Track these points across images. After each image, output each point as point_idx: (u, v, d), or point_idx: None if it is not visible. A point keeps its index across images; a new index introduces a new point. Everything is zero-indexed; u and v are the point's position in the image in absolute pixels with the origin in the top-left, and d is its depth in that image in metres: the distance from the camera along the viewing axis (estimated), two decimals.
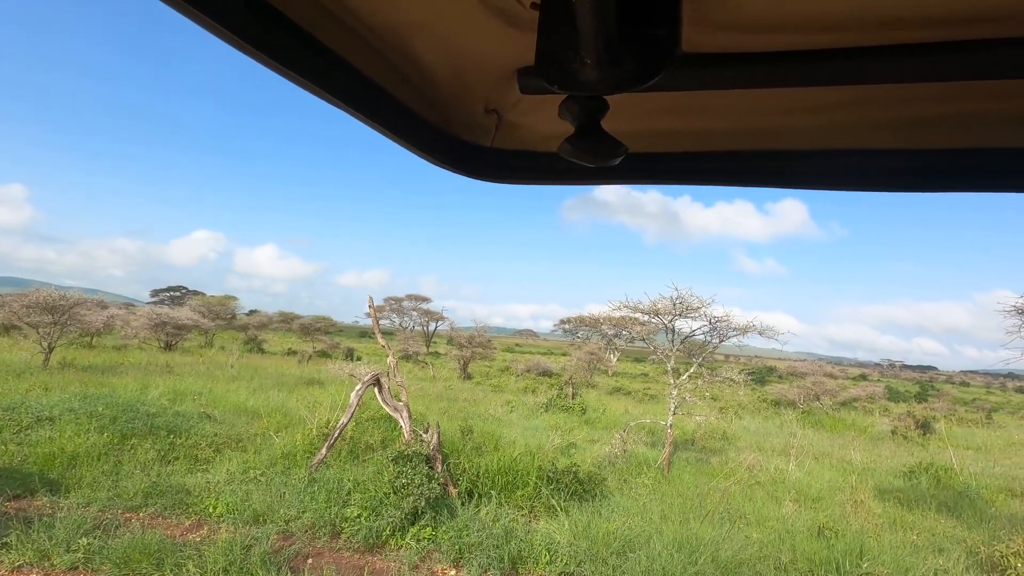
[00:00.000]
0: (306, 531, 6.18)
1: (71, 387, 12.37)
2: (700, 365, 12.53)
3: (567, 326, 53.66)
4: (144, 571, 5.00)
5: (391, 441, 9.28)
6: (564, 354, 46.62)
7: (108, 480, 7.03)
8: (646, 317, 12.90)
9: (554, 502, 7.31)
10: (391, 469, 6.98)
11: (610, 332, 43.89)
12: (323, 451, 7.75)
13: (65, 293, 17.59)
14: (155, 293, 67.08)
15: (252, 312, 47.99)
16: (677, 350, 12.19)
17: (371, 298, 8.63)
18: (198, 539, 5.71)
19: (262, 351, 34.81)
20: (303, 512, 6.48)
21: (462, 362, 29.80)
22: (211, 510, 6.49)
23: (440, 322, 47.40)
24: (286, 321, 42.88)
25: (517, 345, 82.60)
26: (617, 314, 13.14)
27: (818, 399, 27.28)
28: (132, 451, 8.09)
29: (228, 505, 6.57)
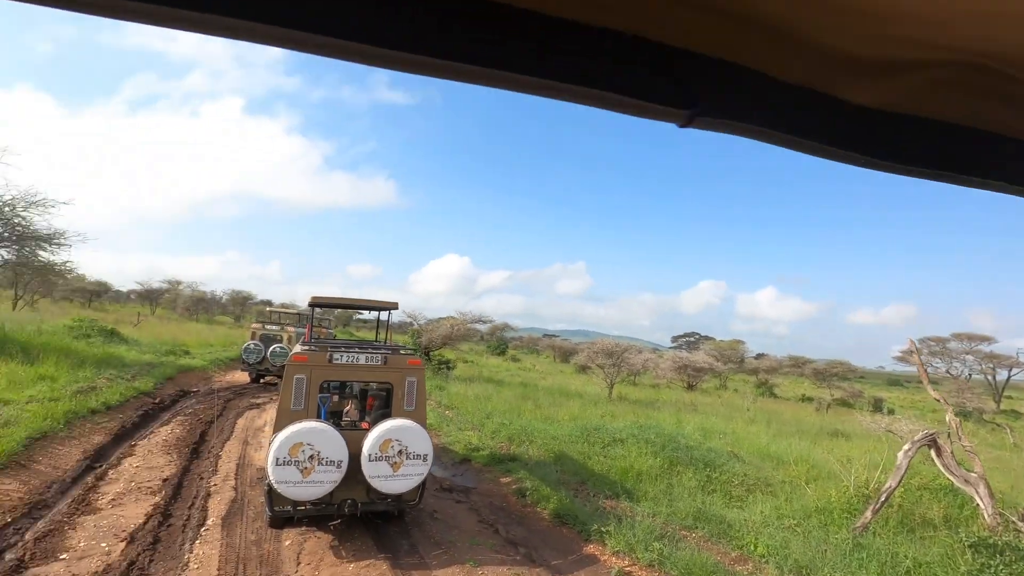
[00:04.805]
0: None
1: (627, 416, 15.59)
2: None
3: None
4: None
5: (958, 520, 7.40)
6: None
7: (664, 498, 8.42)
8: None
9: None
10: (968, 558, 5.54)
11: None
12: (868, 514, 6.90)
13: (618, 342, 22.59)
14: (675, 339, 77.10)
15: (760, 355, 48.24)
16: None
17: (912, 341, 7.32)
18: (745, 572, 6.05)
19: (774, 395, 34.35)
20: None
21: None
22: (752, 548, 6.78)
23: (1014, 370, 34.82)
24: (797, 365, 40.98)
25: None
26: None
27: None
28: (678, 476, 9.43)
29: (767, 547, 6.71)
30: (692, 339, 72.05)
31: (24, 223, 14.98)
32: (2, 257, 15.81)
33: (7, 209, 14.48)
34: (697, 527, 7.38)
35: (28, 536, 5.60)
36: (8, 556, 5.16)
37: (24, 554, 5.21)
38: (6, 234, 14.82)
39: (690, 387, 30.43)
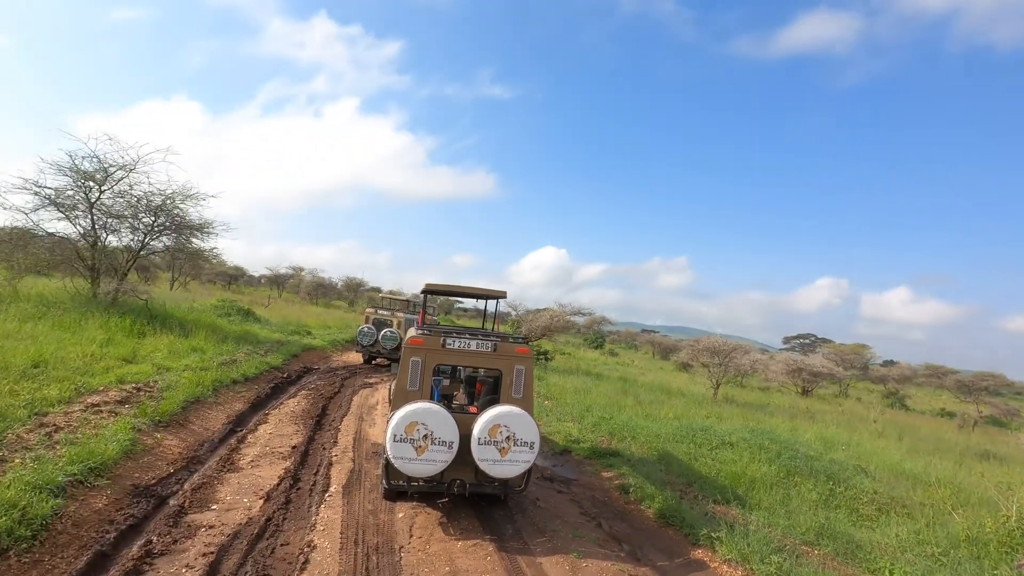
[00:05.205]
0: None
1: (735, 419, 14.69)
2: None
3: None
4: None
5: None
6: None
7: (781, 509, 7.82)
8: None
9: None
10: None
11: None
12: None
13: (726, 340, 21.38)
14: (787, 340, 71.64)
15: (888, 363, 43.53)
16: None
17: None
18: None
19: (904, 407, 30.89)
20: None
21: None
22: (887, 573, 6.11)
23: None
24: (935, 375, 36.46)
25: None
26: None
27: None
28: (796, 487, 8.73)
29: (905, 574, 6.02)
30: (807, 341, 66.50)
31: (181, 214, 17.10)
32: (164, 244, 18.16)
33: (168, 202, 16.59)
34: (820, 544, 6.78)
35: (187, 486, 6.40)
36: (172, 502, 5.93)
37: (184, 502, 5.96)
38: (167, 223, 17.00)
39: (805, 392, 28.15)
